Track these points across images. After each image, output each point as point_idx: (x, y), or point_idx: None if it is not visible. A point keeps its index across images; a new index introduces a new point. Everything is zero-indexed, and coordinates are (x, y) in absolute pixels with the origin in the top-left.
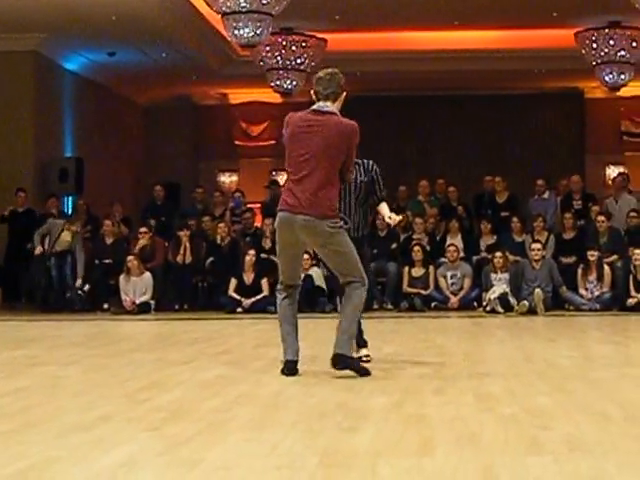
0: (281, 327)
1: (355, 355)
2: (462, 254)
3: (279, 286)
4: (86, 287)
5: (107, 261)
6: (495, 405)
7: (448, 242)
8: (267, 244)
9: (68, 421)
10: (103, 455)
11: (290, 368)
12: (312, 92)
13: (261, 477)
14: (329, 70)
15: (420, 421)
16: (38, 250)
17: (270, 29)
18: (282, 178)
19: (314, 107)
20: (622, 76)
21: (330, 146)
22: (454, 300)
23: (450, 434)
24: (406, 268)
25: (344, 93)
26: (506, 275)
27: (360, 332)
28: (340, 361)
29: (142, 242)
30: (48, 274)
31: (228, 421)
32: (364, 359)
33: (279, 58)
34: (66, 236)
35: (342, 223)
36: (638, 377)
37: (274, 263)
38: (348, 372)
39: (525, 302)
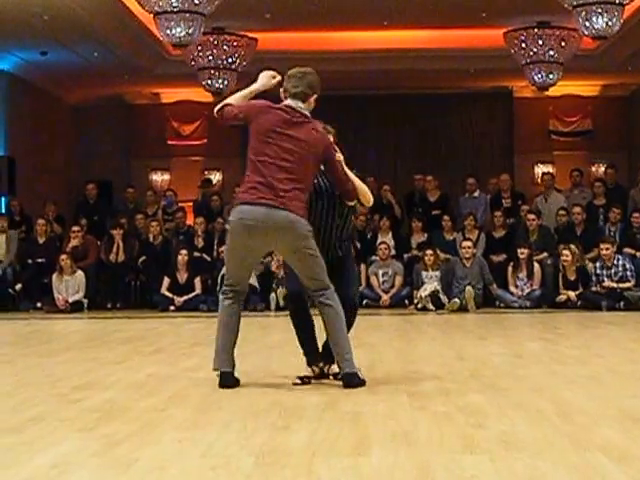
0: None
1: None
2: (393, 252)
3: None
4: (18, 286)
5: (40, 260)
6: (429, 403)
7: (379, 240)
8: (199, 243)
9: None
10: (36, 457)
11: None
12: (282, 90)
13: (197, 478)
14: (302, 69)
15: (355, 420)
16: None
17: (202, 29)
18: (215, 177)
19: (286, 103)
20: (551, 76)
21: (302, 152)
22: (385, 298)
23: (385, 433)
24: None
25: (314, 95)
26: (437, 273)
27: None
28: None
29: (75, 241)
30: None
31: (162, 421)
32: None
33: (210, 57)
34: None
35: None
36: (569, 374)
37: (207, 262)
38: (278, 371)
39: (456, 300)
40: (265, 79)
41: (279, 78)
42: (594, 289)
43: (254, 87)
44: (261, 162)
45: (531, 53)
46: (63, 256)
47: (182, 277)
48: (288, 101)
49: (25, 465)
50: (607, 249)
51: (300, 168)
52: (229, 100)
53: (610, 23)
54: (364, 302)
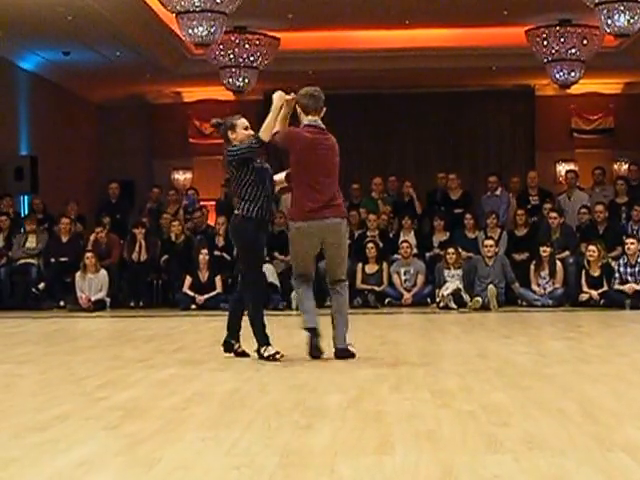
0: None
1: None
2: (415, 251)
3: (296, 279)
4: (42, 285)
5: (63, 259)
6: (452, 402)
7: (401, 239)
8: (220, 242)
9: (24, 421)
10: (60, 455)
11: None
12: (298, 106)
13: (220, 477)
14: (314, 88)
15: (378, 418)
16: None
17: (224, 28)
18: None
19: (313, 124)
20: (573, 74)
21: (336, 161)
22: (407, 296)
23: (408, 431)
24: (359, 265)
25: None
26: (459, 271)
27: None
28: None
29: (95, 237)
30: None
31: (185, 419)
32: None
33: (232, 56)
34: (31, 242)
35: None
36: (593, 373)
37: (227, 261)
38: (301, 370)
39: (478, 298)
40: (281, 100)
41: (291, 96)
42: (617, 287)
43: (281, 112)
44: (311, 180)
45: (553, 51)
46: (88, 254)
47: (203, 276)
48: (314, 120)
49: (50, 463)
50: (632, 244)
51: (336, 171)
52: (275, 128)
53: (632, 21)
54: (386, 301)
